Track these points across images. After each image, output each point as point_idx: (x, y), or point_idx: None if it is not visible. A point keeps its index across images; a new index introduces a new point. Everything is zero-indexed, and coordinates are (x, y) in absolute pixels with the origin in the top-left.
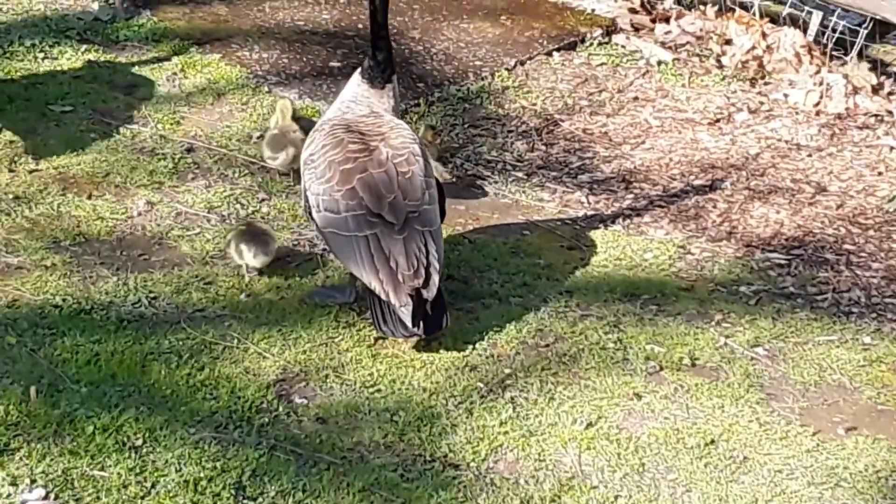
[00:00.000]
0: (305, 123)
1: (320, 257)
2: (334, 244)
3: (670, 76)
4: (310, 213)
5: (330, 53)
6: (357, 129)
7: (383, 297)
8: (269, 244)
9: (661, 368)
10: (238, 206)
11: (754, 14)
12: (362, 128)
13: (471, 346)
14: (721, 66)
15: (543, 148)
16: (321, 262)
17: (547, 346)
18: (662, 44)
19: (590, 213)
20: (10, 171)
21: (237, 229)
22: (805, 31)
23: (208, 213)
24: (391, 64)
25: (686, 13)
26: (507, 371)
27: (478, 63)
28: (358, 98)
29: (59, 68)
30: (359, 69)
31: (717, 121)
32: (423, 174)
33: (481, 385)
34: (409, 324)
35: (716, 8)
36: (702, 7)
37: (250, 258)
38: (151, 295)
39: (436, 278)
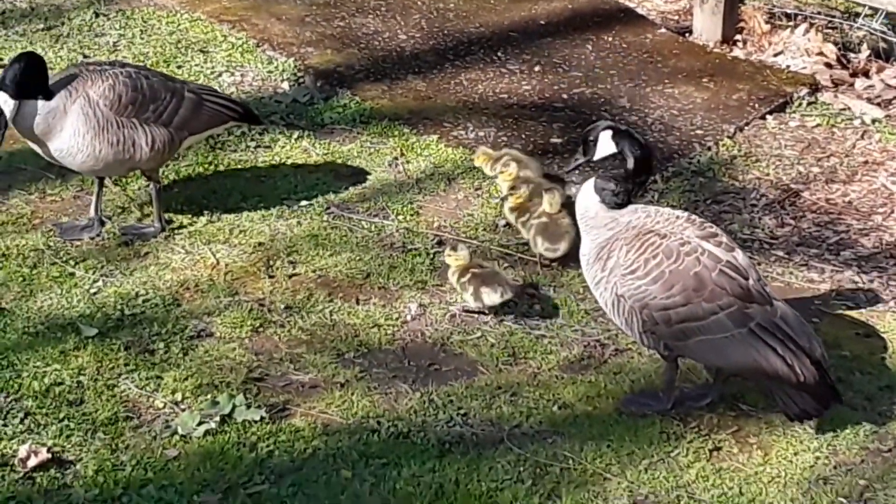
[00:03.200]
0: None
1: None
2: (710, 351)
3: (888, 135)
4: (651, 333)
5: (546, 128)
6: (666, 232)
7: (793, 378)
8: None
9: None
10: (511, 304)
11: None
12: (667, 228)
13: (811, 454)
14: None
15: (793, 222)
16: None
17: (889, 450)
18: (868, 100)
19: (867, 293)
20: (270, 276)
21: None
22: None
23: (482, 313)
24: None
25: (886, 66)
26: (862, 482)
27: (698, 132)
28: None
29: (277, 158)
30: (591, 188)
31: None
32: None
33: (843, 501)
34: (829, 397)
35: None
36: None
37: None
38: (461, 412)
39: (818, 343)
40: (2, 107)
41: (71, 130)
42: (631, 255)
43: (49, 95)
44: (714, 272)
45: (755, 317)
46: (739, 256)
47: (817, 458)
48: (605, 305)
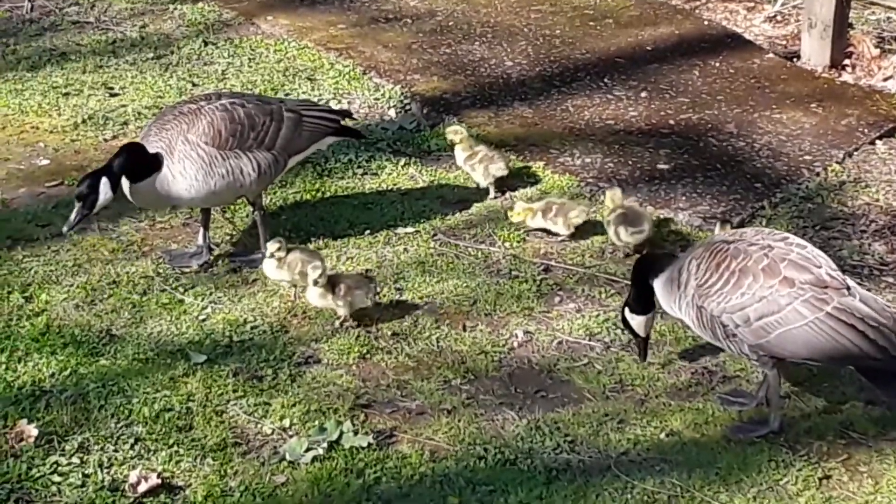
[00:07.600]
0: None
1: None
2: (793, 343)
3: None
4: (731, 336)
5: (653, 154)
6: (733, 239)
7: (879, 355)
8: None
9: None
10: (618, 331)
11: None
12: (734, 237)
13: None
14: None
15: None
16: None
17: None
18: None
19: None
20: (375, 304)
21: None
22: None
23: (590, 340)
24: None
25: None
26: None
27: (807, 157)
28: None
29: (384, 185)
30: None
31: None
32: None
33: None
34: None
35: None
36: None
37: None
38: (568, 439)
39: None
40: (101, 189)
41: (182, 181)
42: (703, 265)
43: (158, 165)
44: (783, 263)
45: (831, 301)
46: (811, 250)
47: None
48: (692, 324)
